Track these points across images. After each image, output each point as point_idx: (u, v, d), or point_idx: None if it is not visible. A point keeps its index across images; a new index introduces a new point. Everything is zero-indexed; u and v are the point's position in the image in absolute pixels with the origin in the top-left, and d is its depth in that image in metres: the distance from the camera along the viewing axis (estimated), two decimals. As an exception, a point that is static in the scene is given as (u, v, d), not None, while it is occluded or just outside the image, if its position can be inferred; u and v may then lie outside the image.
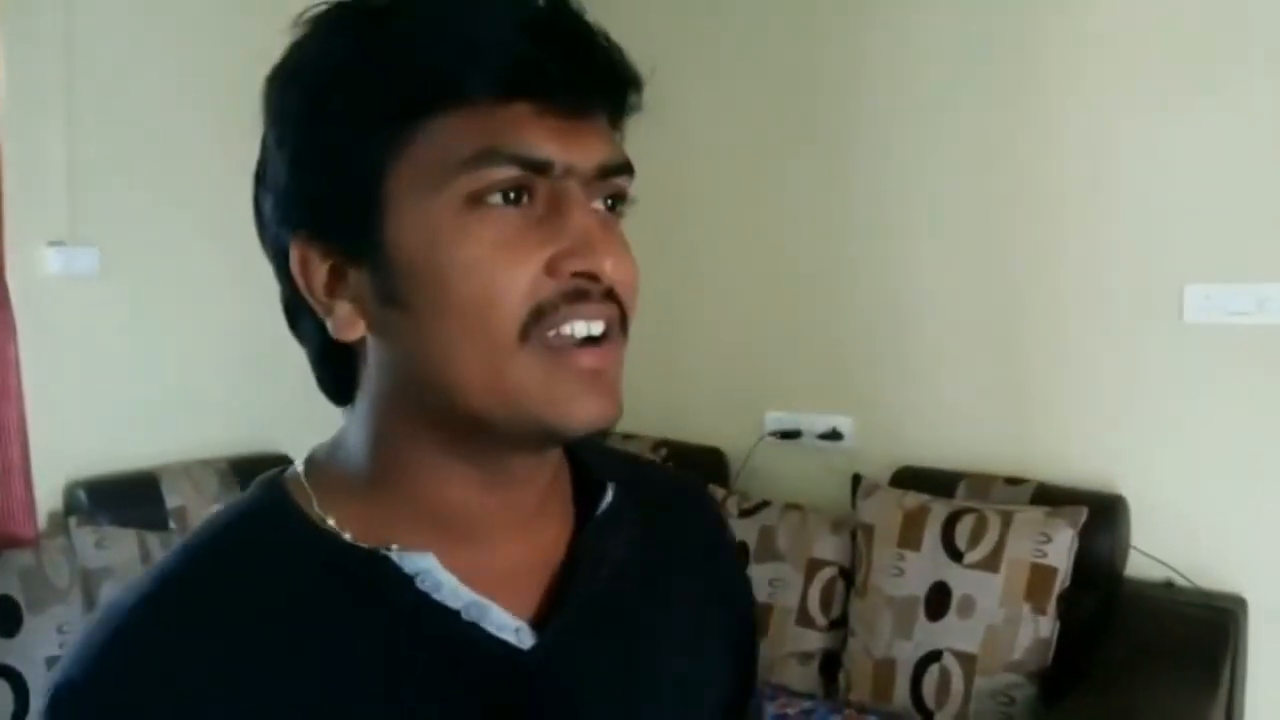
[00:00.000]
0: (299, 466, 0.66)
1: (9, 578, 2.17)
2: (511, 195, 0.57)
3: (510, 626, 0.62)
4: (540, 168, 0.57)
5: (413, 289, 0.58)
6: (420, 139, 0.57)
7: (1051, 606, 2.20)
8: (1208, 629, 2.17)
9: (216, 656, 0.57)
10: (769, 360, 2.91)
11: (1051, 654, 2.19)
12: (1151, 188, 2.33)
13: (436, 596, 0.60)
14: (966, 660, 2.22)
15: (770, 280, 2.92)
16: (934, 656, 2.26)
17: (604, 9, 0.65)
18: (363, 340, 0.61)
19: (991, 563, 2.24)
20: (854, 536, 2.48)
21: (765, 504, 2.64)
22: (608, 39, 0.60)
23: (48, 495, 2.40)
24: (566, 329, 0.58)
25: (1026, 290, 2.51)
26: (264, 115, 0.63)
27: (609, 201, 0.61)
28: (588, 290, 0.58)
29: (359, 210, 0.58)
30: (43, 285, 2.46)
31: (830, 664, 2.47)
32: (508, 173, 0.56)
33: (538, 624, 0.63)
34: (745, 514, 2.63)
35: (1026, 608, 2.20)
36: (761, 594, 2.50)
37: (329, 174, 0.59)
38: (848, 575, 2.48)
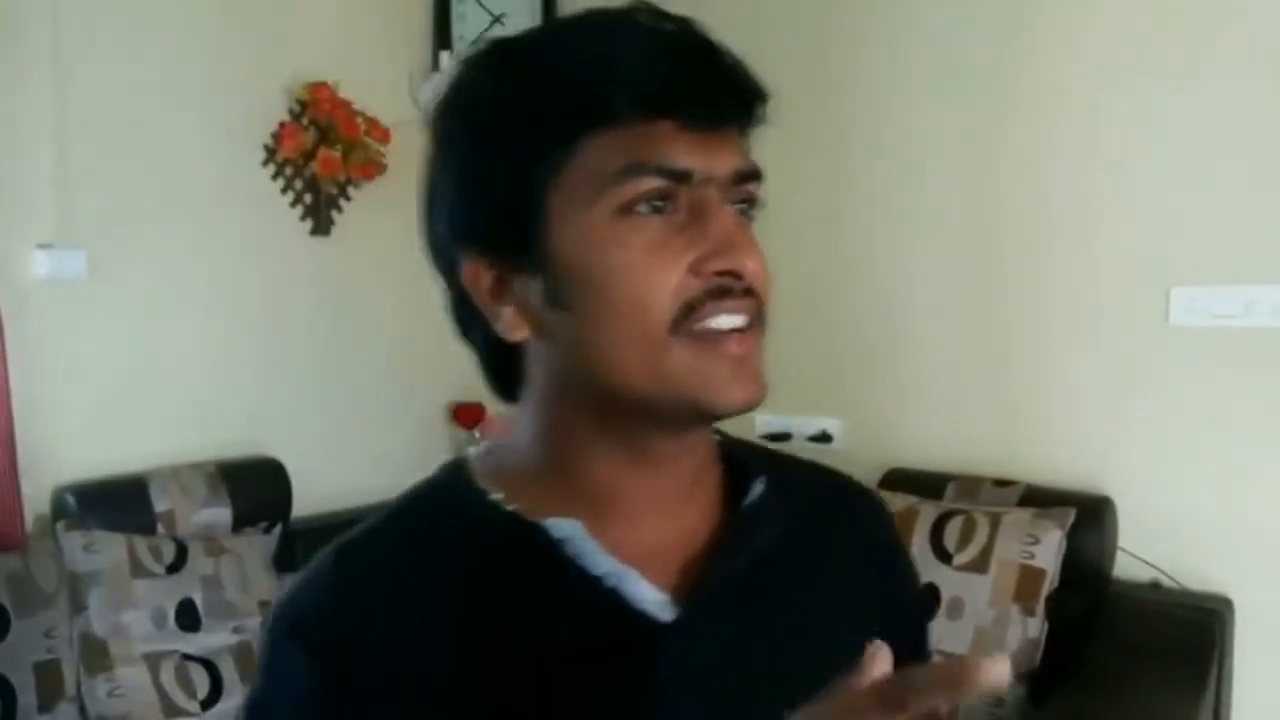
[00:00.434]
0: (477, 452, 0.76)
1: (-4, 582, 2.16)
2: (657, 204, 0.63)
3: (652, 598, 0.67)
4: (681, 177, 0.63)
5: (574, 292, 0.65)
6: (575, 158, 0.64)
7: (1040, 607, 2.21)
8: (1194, 629, 2.18)
9: (403, 592, 0.68)
10: (758, 363, 2.91)
11: (1040, 654, 2.20)
12: (1139, 191, 2.35)
13: (581, 562, 0.66)
14: (955, 661, 2.22)
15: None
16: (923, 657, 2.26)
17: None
18: (526, 341, 0.68)
19: (980, 564, 2.25)
20: (843, 538, 2.48)
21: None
22: (734, 56, 0.66)
23: (35, 499, 2.38)
24: (712, 322, 0.64)
25: (1015, 293, 2.52)
26: (432, 145, 0.70)
27: (742, 205, 0.67)
28: (730, 287, 0.64)
29: (524, 225, 0.65)
30: (30, 288, 2.45)
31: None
32: (653, 183, 0.63)
33: (678, 601, 0.68)
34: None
35: (1015, 609, 2.21)
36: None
37: (497, 194, 0.66)
38: (837, 577, 2.48)
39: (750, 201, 0.68)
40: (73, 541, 2.28)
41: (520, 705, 0.65)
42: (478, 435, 3.32)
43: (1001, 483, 2.42)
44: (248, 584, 2.44)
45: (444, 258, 0.70)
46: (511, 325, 0.67)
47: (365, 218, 3.06)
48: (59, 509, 2.40)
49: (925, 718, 0.49)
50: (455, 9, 3.21)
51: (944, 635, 2.24)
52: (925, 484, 2.48)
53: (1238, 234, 2.24)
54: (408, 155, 3.03)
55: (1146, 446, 2.36)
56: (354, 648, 0.66)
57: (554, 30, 0.66)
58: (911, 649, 0.81)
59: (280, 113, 2.88)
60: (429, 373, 3.28)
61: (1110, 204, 2.38)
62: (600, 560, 0.66)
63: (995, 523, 2.27)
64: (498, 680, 0.66)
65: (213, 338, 2.80)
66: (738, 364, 0.65)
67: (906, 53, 2.65)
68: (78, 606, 2.24)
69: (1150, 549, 2.32)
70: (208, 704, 2.28)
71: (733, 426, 0.76)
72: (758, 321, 0.66)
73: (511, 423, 0.74)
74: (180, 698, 2.25)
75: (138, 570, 2.31)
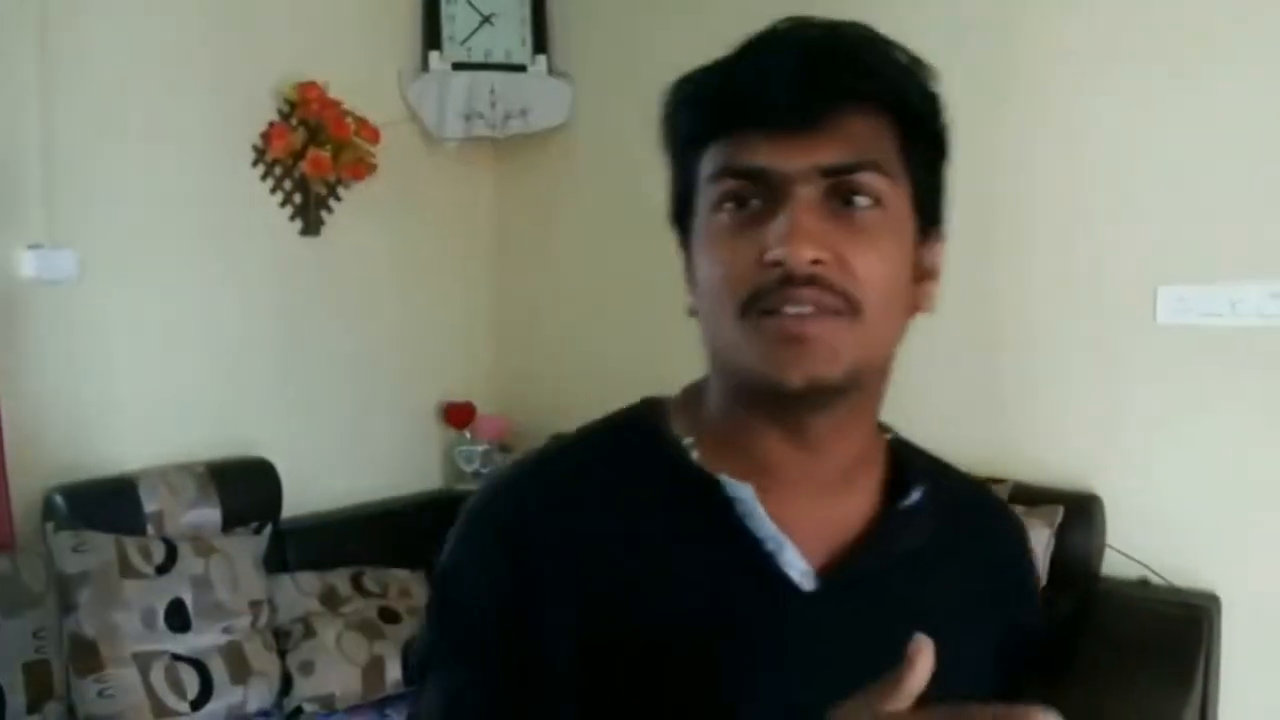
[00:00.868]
0: (676, 394, 0.83)
1: (-15, 583, 2.16)
2: (739, 201, 0.71)
3: (799, 567, 0.74)
4: (757, 176, 0.71)
5: (695, 277, 0.76)
6: (701, 166, 0.74)
7: (1028, 605, 2.21)
8: (1182, 626, 2.19)
9: (587, 509, 0.75)
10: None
11: (1028, 652, 2.21)
12: (1125, 190, 2.36)
13: (748, 524, 0.73)
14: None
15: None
16: (913, 655, 2.27)
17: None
18: (697, 315, 0.78)
19: (969, 562, 2.25)
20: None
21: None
22: (848, 55, 0.72)
23: (24, 500, 2.38)
24: (772, 306, 0.69)
25: (1002, 292, 2.52)
26: None
27: (848, 197, 0.71)
28: (791, 276, 0.68)
29: (685, 218, 0.77)
30: (20, 289, 2.45)
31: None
32: (730, 184, 0.72)
33: (822, 576, 0.74)
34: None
35: (1004, 606, 2.22)
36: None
37: (674, 191, 0.78)
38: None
39: (853, 192, 0.71)
40: (62, 542, 2.28)
41: (664, 632, 0.72)
42: (468, 435, 3.32)
43: (989, 481, 2.43)
44: (237, 584, 2.44)
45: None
46: (690, 300, 0.78)
47: (355, 218, 3.06)
48: (48, 509, 2.39)
49: None
50: (445, 9, 3.21)
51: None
52: (914, 482, 2.48)
53: (1224, 233, 2.25)
54: (397, 155, 3.06)
55: (1135, 444, 2.37)
56: (537, 550, 0.74)
57: (718, 59, 0.75)
58: (1024, 667, 0.87)
59: (269, 113, 2.88)
60: (419, 372, 3.28)
61: (1097, 204, 2.39)
62: (764, 525, 0.73)
63: (984, 521, 2.28)
64: (648, 607, 0.73)
65: (203, 338, 2.79)
66: (786, 343, 0.69)
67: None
68: (67, 607, 2.23)
69: (1138, 546, 2.34)
70: (197, 704, 2.28)
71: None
72: (829, 309, 0.69)
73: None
74: (170, 698, 2.25)
75: (127, 571, 2.30)
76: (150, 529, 2.43)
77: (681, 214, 0.78)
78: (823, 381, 0.70)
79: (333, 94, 2.89)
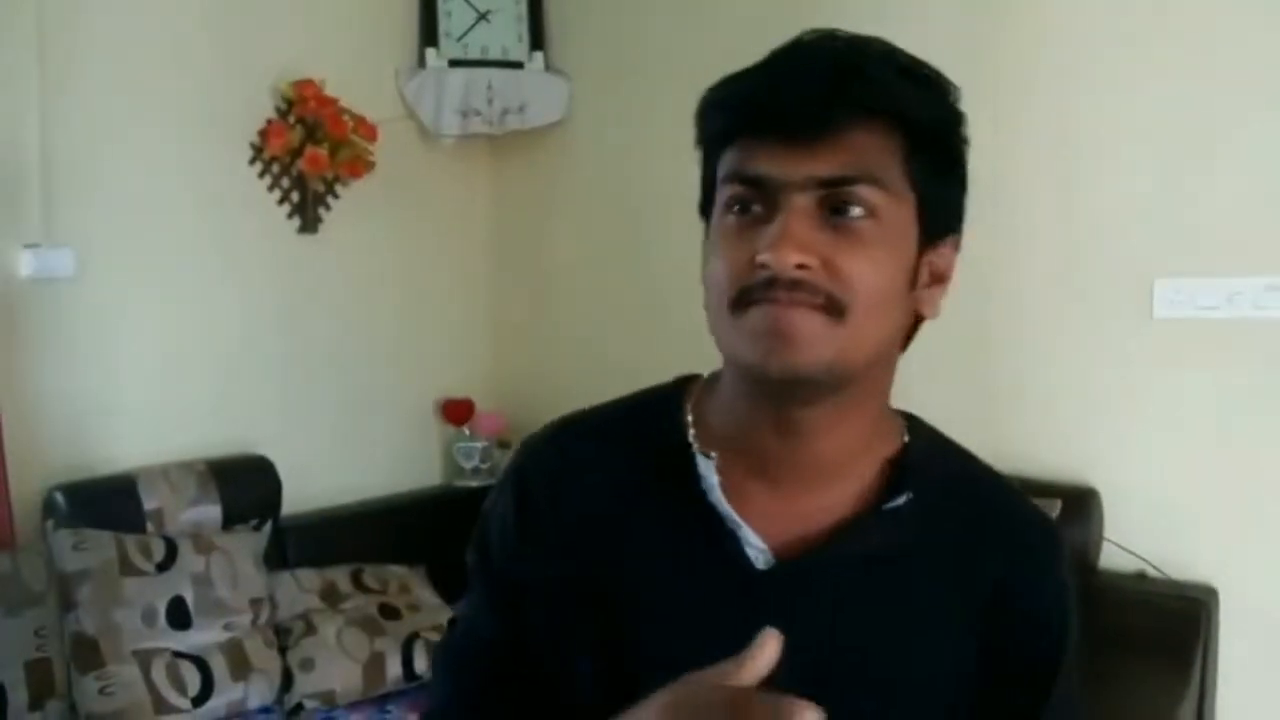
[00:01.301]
0: (712, 371, 0.88)
1: (-14, 581, 2.16)
2: (742, 205, 0.76)
3: (757, 545, 0.79)
4: (756, 183, 0.75)
5: (705, 269, 0.80)
6: (720, 163, 0.79)
7: (1026, 598, 2.21)
8: (1180, 619, 2.20)
9: (593, 469, 0.85)
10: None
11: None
12: (1121, 183, 2.36)
13: (710, 498, 0.79)
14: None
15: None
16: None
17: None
18: None
19: (967, 556, 2.26)
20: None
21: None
22: (853, 68, 0.75)
23: (24, 498, 2.39)
24: (757, 303, 0.74)
25: (998, 286, 2.52)
26: None
27: (842, 207, 0.74)
28: (774, 278, 0.72)
29: (710, 208, 0.81)
30: (18, 288, 2.45)
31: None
32: (734, 189, 0.77)
33: (780, 560, 0.79)
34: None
35: (1002, 600, 2.22)
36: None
37: (703, 182, 0.83)
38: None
39: (846, 202, 0.74)
40: (62, 540, 2.28)
41: (629, 586, 0.80)
42: (467, 432, 3.32)
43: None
44: (238, 581, 2.45)
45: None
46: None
47: (353, 215, 3.06)
48: (48, 508, 2.39)
49: None
50: (441, 6, 3.21)
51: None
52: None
53: (1220, 226, 2.25)
54: (395, 153, 3.06)
55: (1132, 437, 2.37)
56: (541, 500, 0.84)
57: (749, 65, 0.80)
58: (1041, 686, 0.84)
59: (266, 110, 2.88)
60: (417, 369, 3.29)
61: (1093, 197, 2.39)
62: (722, 504, 0.79)
63: (982, 514, 2.28)
64: (619, 564, 0.81)
65: (201, 336, 2.80)
66: (770, 335, 0.73)
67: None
68: (68, 605, 2.24)
69: (1135, 539, 2.34)
70: (199, 701, 2.29)
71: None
72: (814, 307, 0.73)
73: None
74: (171, 695, 2.25)
75: (127, 568, 2.31)
76: (150, 527, 2.44)
77: (706, 208, 0.83)
78: (800, 374, 0.73)
79: (330, 92, 2.89)
